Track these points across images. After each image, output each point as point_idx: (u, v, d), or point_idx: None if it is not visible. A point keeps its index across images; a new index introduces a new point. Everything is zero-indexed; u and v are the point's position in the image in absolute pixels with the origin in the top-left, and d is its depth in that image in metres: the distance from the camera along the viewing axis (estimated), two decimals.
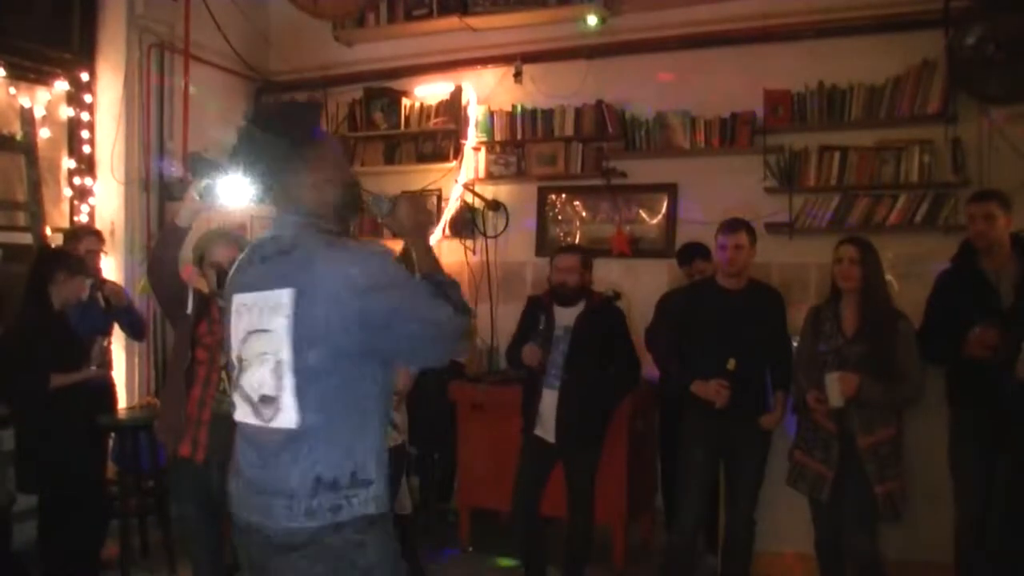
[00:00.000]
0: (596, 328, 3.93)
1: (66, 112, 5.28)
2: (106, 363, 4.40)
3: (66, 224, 5.20)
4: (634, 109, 5.51)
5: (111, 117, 5.36)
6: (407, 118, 6.10)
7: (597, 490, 3.98)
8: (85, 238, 4.58)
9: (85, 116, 5.33)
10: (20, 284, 4.11)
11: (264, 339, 1.89)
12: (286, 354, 1.86)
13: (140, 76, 5.42)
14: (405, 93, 6.16)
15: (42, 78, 5.15)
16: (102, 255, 4.69)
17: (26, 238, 5.00)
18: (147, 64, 5.45)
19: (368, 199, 2.16)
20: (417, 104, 6.10)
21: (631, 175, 5.57)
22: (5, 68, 4.86)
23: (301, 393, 1.86)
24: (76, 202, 5.30)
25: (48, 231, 5.07)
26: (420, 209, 2.16)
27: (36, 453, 3.88)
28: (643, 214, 5.60)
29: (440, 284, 2.01)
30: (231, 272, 2.07)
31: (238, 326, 1.97)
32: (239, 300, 1.98)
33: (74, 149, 5.32)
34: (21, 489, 3.95)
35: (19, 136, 5.06)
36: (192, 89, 5.62)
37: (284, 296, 1.86)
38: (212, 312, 3.14)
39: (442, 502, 5.26)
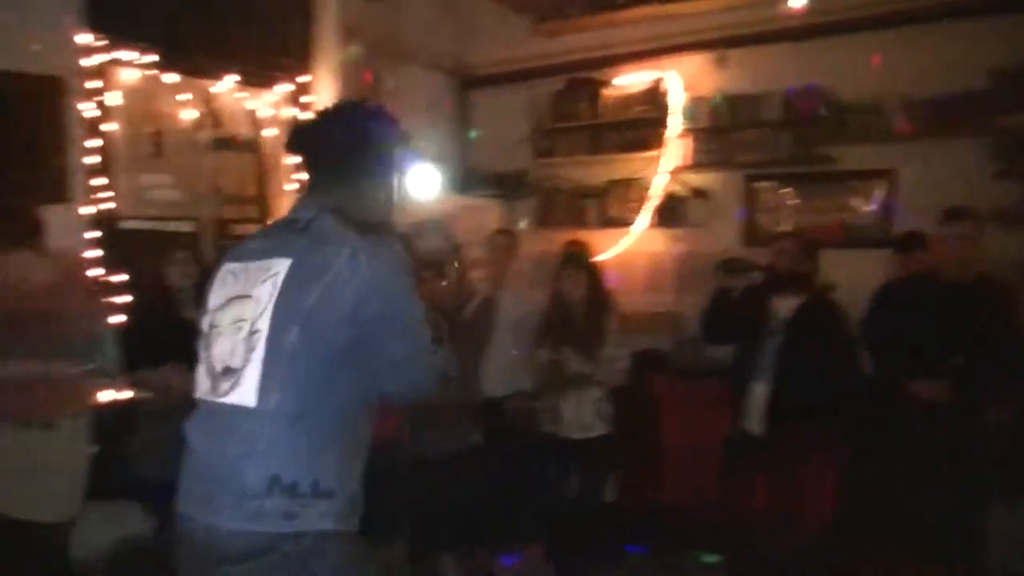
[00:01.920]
0: (814, 321, 3.98)
1: (288, 112, 5.91)
2: None
3: None
4: (846, 92, 5.51)
5: None
6: (609, 107, 6.36)
7: (806, 493, 4.04)
8: None
9: (306, 116, 5.94)
10: None
11: (244, 305, 1.83)
12: (264, 323, 1.78)
13: (351, 77, 5.99)
14: (606, 82, 6.41)
15: (266, 82, 5.77)
16: None
17: (255, 229, 5.67)
18: (359, 66, 6.02)
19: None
20: (619, 93, 6.34)
21: (843, 161, 5.56)
22: (237, 75, 5.52)
23: (268, 370, 1.77)
24: (298, 195, 5.90)
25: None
26: (440, 248, 2.37)
27: None
28: (856, 202, 5.59)
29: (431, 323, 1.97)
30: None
31: (219, 292, 1.92)
32: (226, 268, 1.95)
33: None
34: None
35: (247, 136, 5.74)
36: (399, 86, 6.14)
37: (278, 264, 1.82)
38: None
39: (641, 495, 5.46)
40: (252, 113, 5.75)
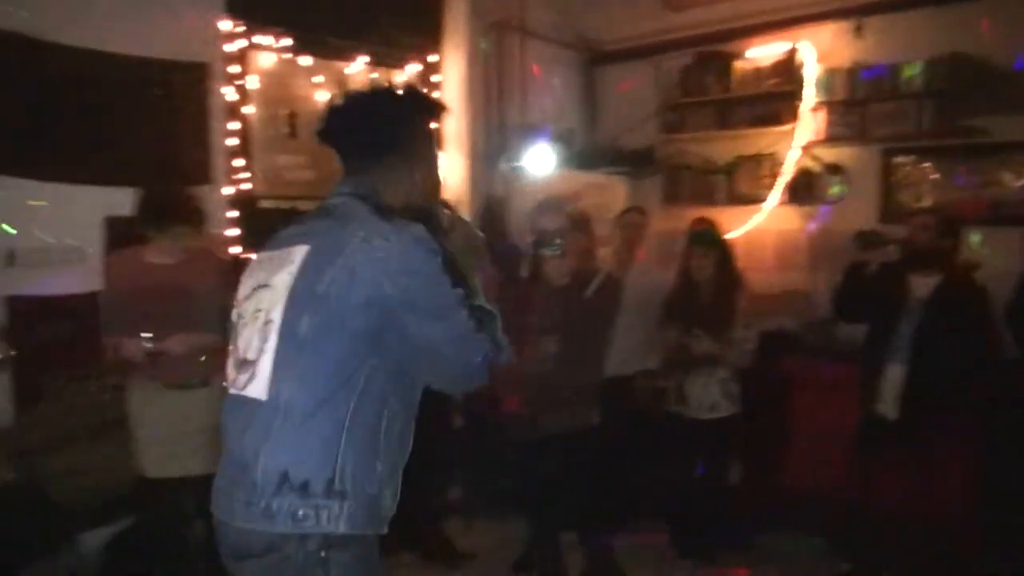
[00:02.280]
0: (954, 302, 3.85)
1: None
2: None
3: None
4: (995, 59, 5.23)
5: (457, 95, 6.06)
6: (740, 81, 6.24)
7: (941, 482, 3.91)
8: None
9: (435, 94, 6.07)
10: None
11: (264, 295, 1.81)
12: (277, 313, 1.74)
13: (481, 55, 6.07)
14: (737, 55, 6.28)
15: (397, 62, 5.92)
16: None
17: None
18: (489, 43, 6.10)
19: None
20: (750, 66, 6.21)
21: (994, 133, 5.30)
22: (368, 56, 5.68)
23: (280, 361, 1.73)
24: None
25: None
26: (471, 236, 2.05)
27: None
28: (1006, 177, 5.31)
29: (477, 309, 1.84)
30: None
31: (247, 282, 1.91)
32: (257, 258, 1.95)
33: None
34: None
35: None
36: (528, 64, 6.20)
37: (297, 252, 1.79)
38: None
39: (766, 479, 5.39)
40: None
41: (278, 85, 5.20)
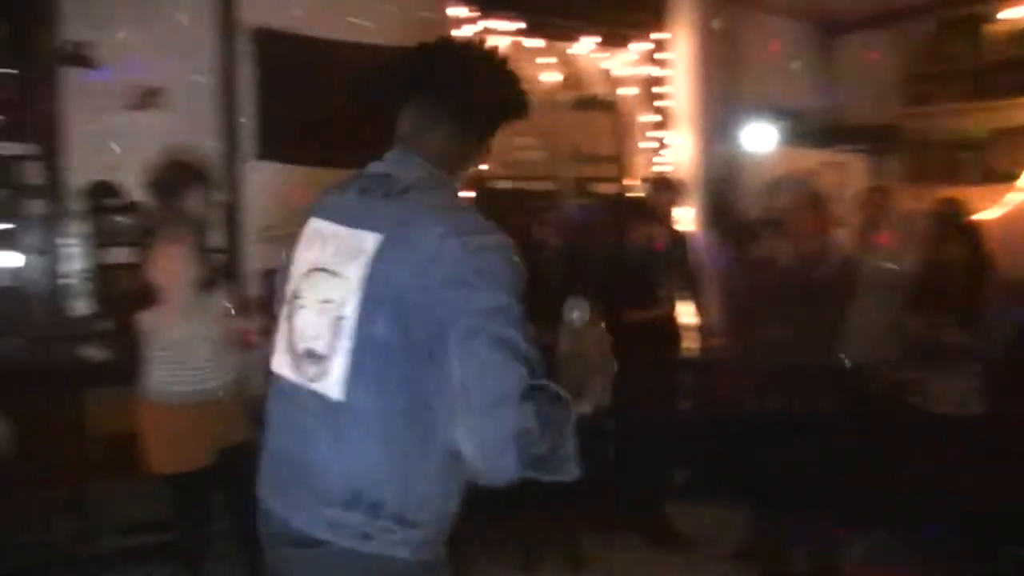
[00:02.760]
0: None
1: (644, 71, 6.03)
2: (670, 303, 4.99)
3: (646, 175, 5.98)
4: None
5: (685, 72, 5.98)
6: (994, 45, 5.76)
7: None
8: (662, 188, 5.26)
9: (661, 73, 6.03)
10: (605, 229, 4.92)
11: (332, 284, 1.60)
12: (350, 311, 1.55)
13: (710, 31, 5.96)
14: (988, 18, 5.81)
15: (623, 42, 5.92)
16: (678, 205, 5.34)
17: (612, 188, 5.90)
18: (719, 19, 5.97)
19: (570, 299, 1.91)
20: (1006, 28, 5.72)
21: None
22: (596, 36, 5.71)
23: (356, 365, 1.55)
24: (655, 154, 6.03)
25: (630, 181, 5.92)
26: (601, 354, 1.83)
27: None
28: None
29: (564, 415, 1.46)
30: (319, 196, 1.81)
31: (306, 256, 1.69)
32: (315, 226, 1.71)
33: (652, 105, 6.05)
34: None
35: (604, 96, 5.96)
36: (759, 38, 6.02)
37: (369, 241, 1.57)
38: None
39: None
40: (609, 73, 5.94)
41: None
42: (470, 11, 5.09)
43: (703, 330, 5.12)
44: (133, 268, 4.24)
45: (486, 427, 1.40)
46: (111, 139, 4.25)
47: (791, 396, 3.72)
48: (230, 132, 4.50)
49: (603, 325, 1.89)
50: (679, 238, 5.09)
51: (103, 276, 4.27)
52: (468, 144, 1.75)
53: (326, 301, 1.60)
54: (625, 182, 5.91)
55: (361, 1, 4.67)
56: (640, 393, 4.41)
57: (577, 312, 1.84)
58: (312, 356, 1.60)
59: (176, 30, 4.35)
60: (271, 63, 4.52)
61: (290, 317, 1.68)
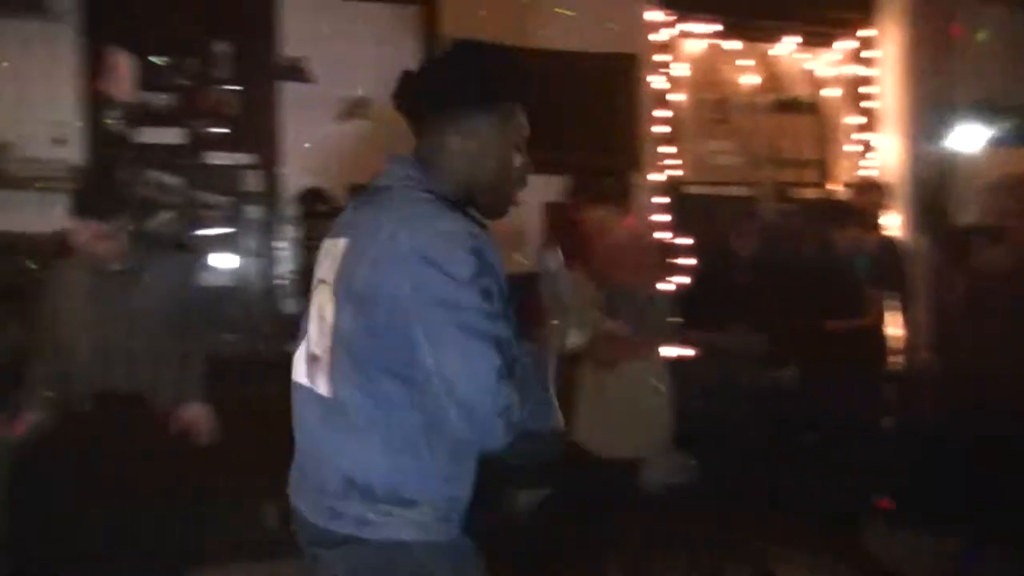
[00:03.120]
0: None
1: (849, 70, 5.79)
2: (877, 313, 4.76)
3: (850, 179, 5.74)
4: None
5: (893, 70, 5.70)
6: None
7: None
8: (868, 193, 5.04)
9: (868, 72, 5.77)
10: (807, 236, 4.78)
11: (324, 292, 1.70)
12: (329, 312, 1.64)
13: (919, 24, 5.65)
14: None
15: (827, 41, 5.70)
16: (885, 209, 5.10)
17: (814, 194, 5.70)
18: (931, 13, 5.65)
19: (541, 247, 1.85)
20: None
21: None
22: (798, 36, 5.55)
23: (337, 360, 1.62)
24: (860, 158, 5.77)
25: (833, 186, 5.70)
26: (579, 299, 1.81)
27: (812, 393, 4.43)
28: None
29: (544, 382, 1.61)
30: None
31: (316, 271, 1.78)
32: (324, 244, 1.79)
33: (857, 105, 5.81)
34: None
35: (807, 98, 5.76)
36: (980, 34, 5.65)
37: (341, 245, 1.66)
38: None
39: None
40: (811, 73, 5.75)
41: (706, 71, 5.29)
42: (666, 15, 5.06)
43: (911, 343, 4.85)
44: None
45: (472, 413, 1.48)
46: (322, 148, 4.54)
47: (1007, 418, 3.48)
48: None
49: (579, 275, 1.83)
50: (887, 245, 4.87)
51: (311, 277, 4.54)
52: (474, 145, 1.70)
53: (320, 308, 1.69)
54: (828, 187, 5.70)
55: (560, 9, 4.73)
56: (842, 407, 4.27)
57: (550, 260, 1.81)
58: (314, 359, 1.70)
59: (383, 43, 4.58)
60: None
61: (307, 326, 1.76)
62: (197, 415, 3.25)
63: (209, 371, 3.46)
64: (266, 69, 4.48)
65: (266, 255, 4.53)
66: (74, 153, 4.19)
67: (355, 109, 4.56)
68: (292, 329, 4.32)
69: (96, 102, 4.22)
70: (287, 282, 4.56)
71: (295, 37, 4.51)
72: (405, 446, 1.59)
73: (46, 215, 4.11)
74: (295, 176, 4.53)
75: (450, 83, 1.69)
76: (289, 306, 4.52)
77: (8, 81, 4.07)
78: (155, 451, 3.13)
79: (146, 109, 4.32)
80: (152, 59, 4.32)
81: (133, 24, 4.27)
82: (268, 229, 4.51)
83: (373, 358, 1.57)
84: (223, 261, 4.51)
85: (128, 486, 3.06)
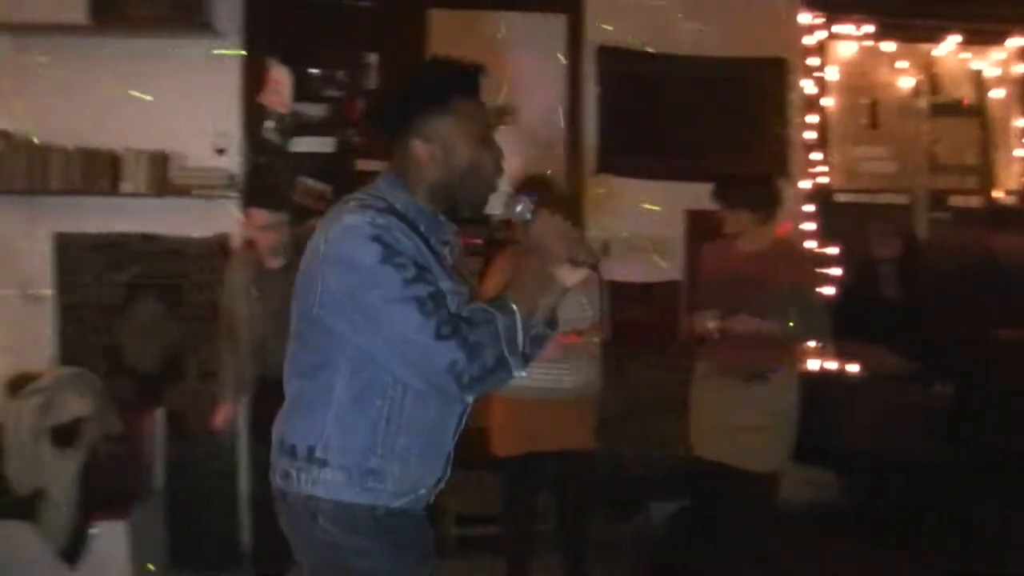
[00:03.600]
0: None
1: (1020, 70, 5.48)
2: None
3: (1018, 186, 5.44)
4: None
5: None
6: None
7: None
8: None
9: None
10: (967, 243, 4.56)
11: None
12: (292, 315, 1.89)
13: None
14: None
15: (994, 39, 5.40)
16: None
17: (975, 201, 5.42)
18: None
19: (508, 196, 1.91)
20: None
21: None
22: (960, 35, 5.29)
23: (291, 352, 1.90)
24: None
25: (997, 193, 5.41)
26: (559, 234, 1.78)
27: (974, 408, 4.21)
28: None
29: (498, 317, 1.71)
30: None
31: None
32: None
33: None
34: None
35: (970, 100, 5.48)
36: None
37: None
38: None
39: None
40: (977, 74, 5.47)
41: (858, 74, 5.12)
42: (816, 17, 4.94)
43: None
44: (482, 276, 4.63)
45: (424, 373, 1.70)
46: None
47: None
48: (575, 147, 4.73)
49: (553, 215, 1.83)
50: None
51: None
52: (437, 148, 1.83)
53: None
54: (992, 194, 5.41)
55: (706, 13, 4.69)
56: (1006, 424, 4.06)
57: (520, 205, 1.83)
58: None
59: (529, 52, 4.66)
60: (613, 79, 4.70)
61: None
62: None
63: None
64: None
65: None
66: (233, 162, 4.44)
67: (499, 116, 4.65)
68: None
69: (254, 113, 4.46)
70: None
71: (441, 47, 4.63)
72: (329, 414, 1.79)
73: (207, 220, 4.39)
74: None
75: (401, 96, 1.86)
76: None
77: (176, 95, 4.35)
78: None
79: (300, 119, 4.53)
80: (308, 71, 4.52)
81: (289, 39, 4.49)
82: None
83: (312, 342, 1.82)
84: None
85: None
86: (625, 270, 4.51)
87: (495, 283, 3.50)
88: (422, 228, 1.80)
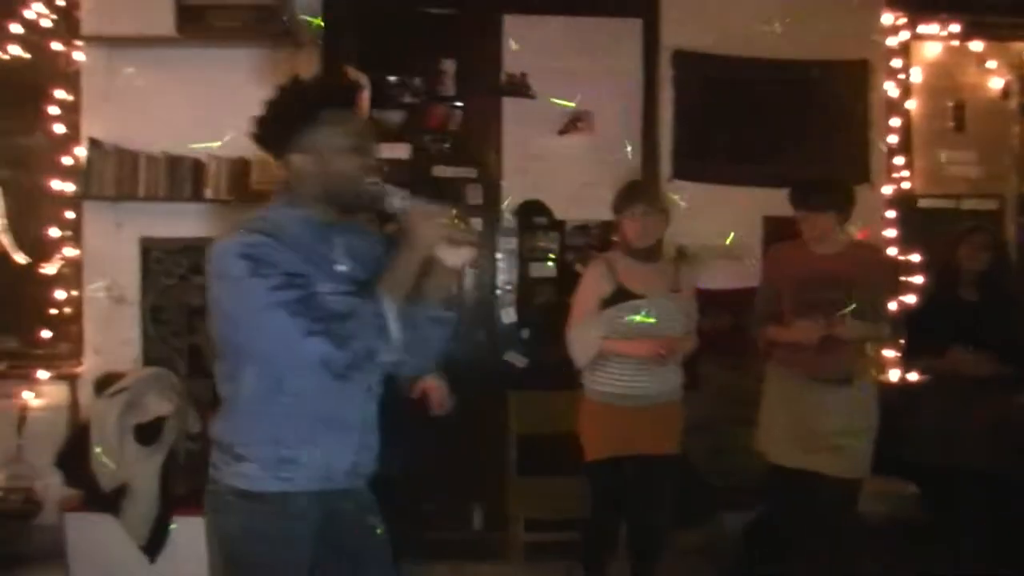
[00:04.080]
0: None
1: None
2: None
3: None
4: None
5: None
6: None
7: None
8: None
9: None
10: None
11: None
12: None
13: None
14: None
15: None
16: None
17: None
18: None
19: (383, 188, 2.06)
20: None
21: None
22: None
23: (217, 358, 2.16)
24: None
25: None
26: (431, 218, 2.01)
27: None
28: None
29: (368, 309, 1.96)
30: None
31: None
32: None
33: None
34: None
35: None
36: None
37: None
38: None
39: None
40: None
41: (943, 75, 4.99)
42: (899, 17, 4.84)
43: None
44: (553, 282, 4.65)
45: (300, 366, 1.97)
46: (541, 161, 4.67)
47: None
48: (650, 153, 4.71)
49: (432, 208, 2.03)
50: None
51: (528, 288, 4.70)
52: (311, 159, 2.06)
53: None
54: None
55: (785, 15, 4.63)
56: None
57: (395, 198, 2.03)
58: None
59: (605, 56, 4.66)
60: (689, 84, 4.68)
61: None
62: (433, 385, 3.52)
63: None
64: (489, 85, 4.66)
65: (486, 266, 4.70)
66: None
67: (576, 123, 4.66)
68: (508, 339, 4.61)
69: None
70: (505, 292, 4.71)
71: (515, 53, 4.66)
72: (242, 414, 2.10)
73: None
74: (515, 189, 4.68)
75: (275, 116, 2.07)
76: (508, 316, 4.67)
77: (256, 103, 4.45)
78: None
79: (377, 126, 4.60)
80: (385, 78, 4.60)
81: (367, 47, 4.58)
82: (488, 240, 4.68)
83: (222, 348, 2.10)
84: None
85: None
86: (702, 277, 4.48)
87: (593, 292, 3.54)
88: (307, 239, 2.03)
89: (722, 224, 4.61)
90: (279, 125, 2.07)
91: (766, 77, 4.70)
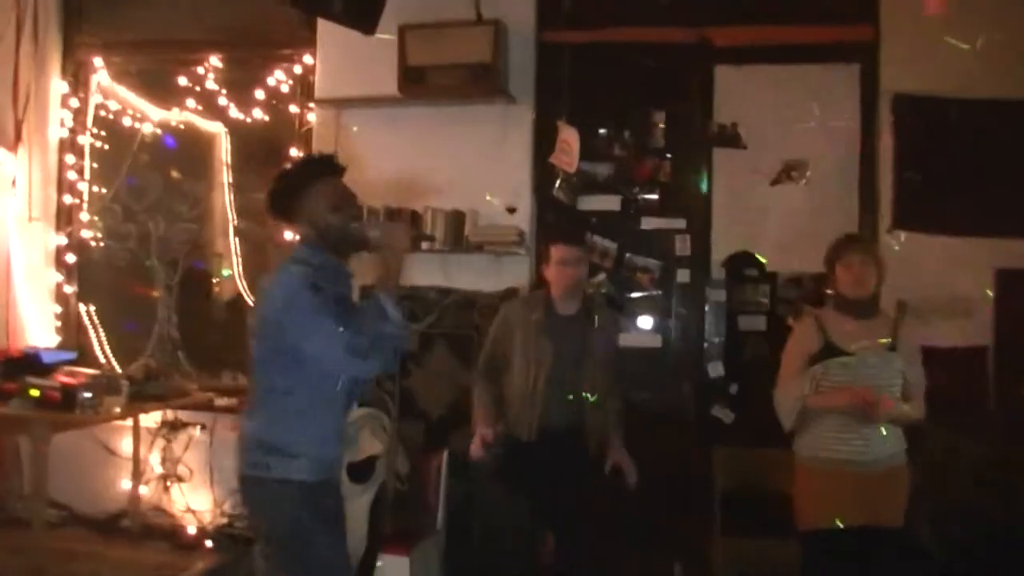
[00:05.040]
0: None
1: None
2: None
3: None
4: None
5: None
6: None
7: None
8: None
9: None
10: None
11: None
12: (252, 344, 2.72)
13: None
14: None
15: None
16: None
17: None
18: None
19: (363, 227, 2.77)
20: None
21: None
22: None
23: (260, 372, 2.71)
24: None
25: None
26: (398, 236, 2.73)
27: None
28: None
29: (379, 309, 2.58)
30: None
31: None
32: None
33: None
34: None
35: None
36: None
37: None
38: None
39: None
40: None
41: None
42: None
43: None
44: (763, 336, 4.54)
45: (345, 366, 2.60)
46: (752, 212, 4.61)
47: None
48: (868, 202, 4.54)
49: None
50: None
51: (736, 341, 4.63)
52: (308, 218, 2.73)
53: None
54: None
55: (1008, 55, 4.34)
56: None
57: (375, 231, 2.73)
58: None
59: (821, 104, 4.57)
60: (910, 129, 4.47)
61: None
62: (625, 459, 3.60)
63: (627, 424, 3.81)
64: (699, 136, 4.67)
65: (694, 318, 4.67)
66: (523, 220, 4.70)
67: (789, 172, 4.58)
68: (714, 392, 4.58)
69: (544, 173, 4.73)
70: (712, 345, 4.66)
71: (727, 104, 4.65)
72: (295, 420, 2.63)
73: (497, 275, 4.68)
74: (724, 241, 4.64)
75: (277, 192, 2.74)
76: (715, 369, 4.61)
77: (472, 157, 4.70)
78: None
79: (587, 178, 4.72)
80: (596, 130, 4.72)
81: (578, 99, 4.73)
82: (697, 292, 4.64)
83: (263, 356, 2.66)
84: (652, 323, 4.75)
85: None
86: (925, 333, 4.22)
87: (801, 349, 3.43)
88: (332, 275, 2.66)
89: (948, 277, 4.34)
90: (283, 199, 2.71)
91: (992, 119, 4.41)
